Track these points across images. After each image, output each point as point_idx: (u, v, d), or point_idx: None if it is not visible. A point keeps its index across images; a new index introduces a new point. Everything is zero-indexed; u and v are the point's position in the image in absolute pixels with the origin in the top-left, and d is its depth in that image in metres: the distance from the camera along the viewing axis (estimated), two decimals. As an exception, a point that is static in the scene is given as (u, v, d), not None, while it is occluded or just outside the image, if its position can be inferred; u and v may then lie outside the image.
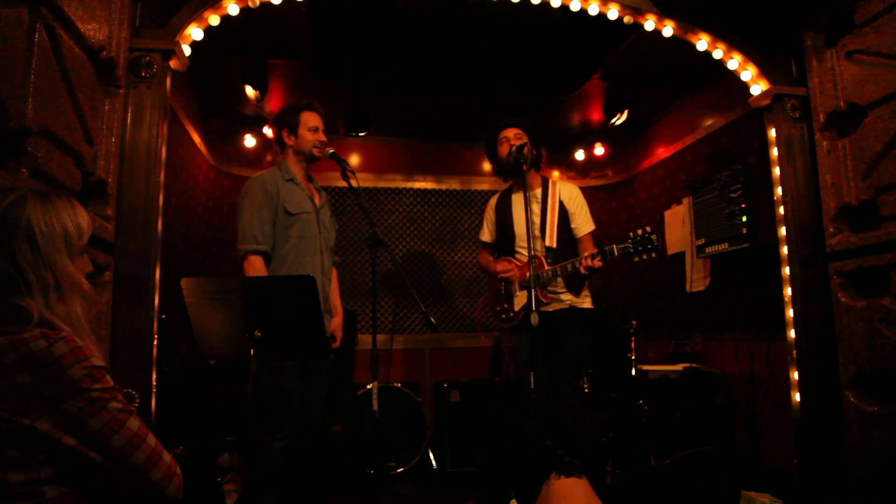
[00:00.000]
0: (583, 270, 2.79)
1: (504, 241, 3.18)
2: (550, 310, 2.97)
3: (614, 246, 2.80)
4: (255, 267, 2.59)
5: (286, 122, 2.80)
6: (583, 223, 3.11)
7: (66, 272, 1.18)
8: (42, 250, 1.15)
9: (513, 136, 3.07)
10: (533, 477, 1.33)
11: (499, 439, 1.41)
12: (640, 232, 2.79)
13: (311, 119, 2.80)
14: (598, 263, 2.77)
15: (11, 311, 1.11)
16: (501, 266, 3.11)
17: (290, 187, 2.74)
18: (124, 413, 1.15)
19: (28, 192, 1.19)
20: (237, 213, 2.69)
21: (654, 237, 2.76)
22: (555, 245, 3.04)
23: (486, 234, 3.31)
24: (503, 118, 3.21)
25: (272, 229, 2.65)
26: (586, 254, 2.84)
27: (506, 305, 3.11)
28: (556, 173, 5.33)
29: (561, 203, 3.11)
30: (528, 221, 2.66)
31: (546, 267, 2.95)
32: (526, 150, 2.81)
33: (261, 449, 2.47)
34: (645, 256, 2.78)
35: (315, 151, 2.80)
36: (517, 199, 3.15)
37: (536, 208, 3.11)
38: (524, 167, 2.72)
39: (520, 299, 3.03)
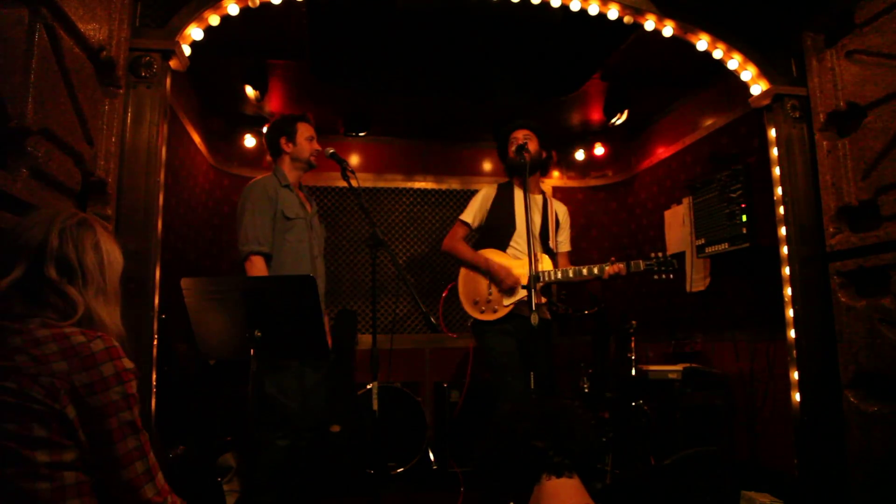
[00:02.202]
0: (605, 276, 2.95)
1: (497, 232, 3.16)
2: (526, 313, 2.97)
3: (640, 261, 3.00)
4: (258, 267, 2.67)
5: (284, 130, 2.91)
6: (567, 241, 3.32)
7: (115, 286, 1.36)
8: (104, 262, 1.33)
9: (521, 138, 3.13)
10: (526, 478, 1.35)
11: (493, 441, 1.42)
12: (660, 255, 3.01)
13: (307, 129, 2.93)
14: (623, 271, 2.95)
15: (59, 300, 1.23)
16: (507, 269, 3.02)
17: (286, 193, 2.82)
18: (130, 427, 1.20)
19: (95, 219, 1.38)
20: (238, 215, 2.75)
21: (674, 262, 3.01)
22: (555, 249, 3.19)
23: (472, 217, 3.24)
24: (516, 118, 3.31)
25: (272, 232, 2.73)
26: (613, 259, 2.99)
27: (490, 298, 3.05)
28: (556, 173, 5.33)
29: (556, 215, 3.27)
30: (528, 217, 2.69)
31: (550, 267, 3.02)
32: (527, 154, 2.90)
33: (263, 448, 2.50)
34: (664, 276, 2.99)
35: (312, 159, 2.93)
36: (520, 195, 3.15)
37: (539, 211, 3.18)
38: (526, 157, 2.86)
39: (517, 294, 3.00)
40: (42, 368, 1.13)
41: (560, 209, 3.31)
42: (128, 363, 1.23)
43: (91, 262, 1.29)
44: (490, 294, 3.06)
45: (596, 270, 2.95)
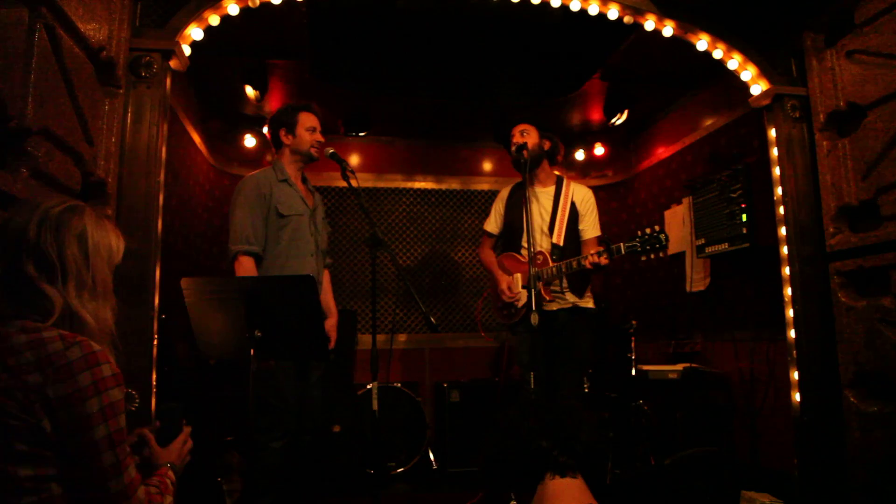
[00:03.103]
0: (588, 266, 2.78)
1: (510, 235, 3.17)
2: (554, 308, 2.97)
3: (621, 244, 2.78)
4: (246, 268, 2.56)
5: (284, 121, 2.79)
6: (590, 226, 3.10)
7: (103, 279, 1.28)
8: (89, 253, 1.25)
9: (517, 134, 3.08)
10: (529, 477, 1.34)
11: (497, 440, 1.42)
12: (647, 231, 2.76)
13: (308, 119, 2.79)
14: (604, 260, 2.75)
15: (38, 298, 1.17)
16: (507, 283, 3.05)
17: (283, 188, 2.71)
18: (107, 441, 1.14)
19: (86, 206, 1.30)
20: (229, 212, 2.66)
21: (662, 236, 2.73)
22: (562, 244, 3.04)
23: (492, 225, 3.27)
24: (513, 114, 3.22)
25: (264, 230, 2.63)
26: (592, 251, 2.83)
27: (507, 303, 3.10)
28: (556, 173, 5.32)
29: (573, 203, 3.11)
30: (528, 219, 2.70)
31: (551, 264, 2.97)
32: (525, 152, 2.87)
33: (258, 450, 2.46)
34: (653, 256, 2.76)
35: (313, 151, 2.79)
36: (529, 194, 3.08)
37: (548, 205, 3.11)
38: (524, 153, 2.82)
39: (525, 295, 2.99)
40: (15, 382, 1.08)
41: (578, 195, 3.13)
42: (107, 370, 1.15)
43: (72, 256, 1.21)
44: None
45: (575, 264, 2.83)
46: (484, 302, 4.82)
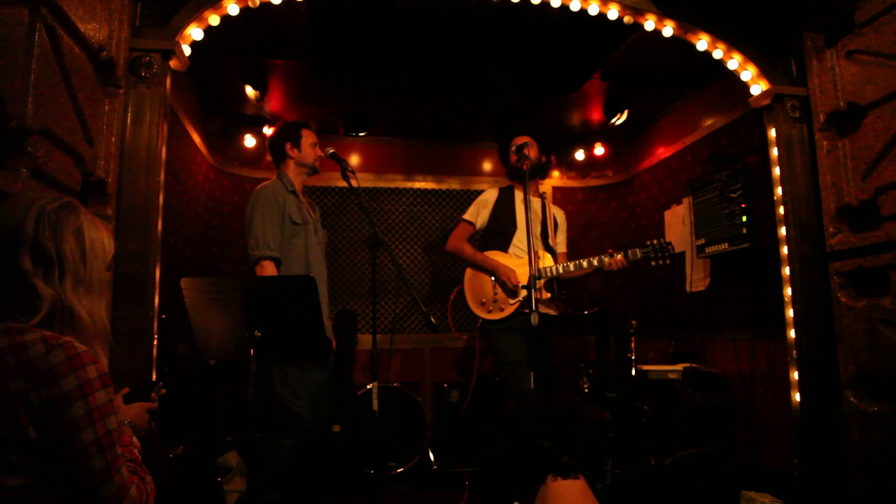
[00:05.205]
0: (606, 268, 3.06)
1: (499, 233, 3.28)
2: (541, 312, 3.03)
3: (637, 249, 3.10)
4: (269, 272, 2.69)
5: (289, 135, 2.98)
6: (564, 243, 3.43)
7: (99, 276, 1.28)
8: (86, 249, 1.25)
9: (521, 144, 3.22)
10: (531, 478, 1.33)
11: (497, 440, 1.41)
12: (655, 242, 3.10)
13: (310, 135, 3.02)
14: (625, 263, 3.06)
15: (26, 295, 1.14)
16: (512, 268, 3.13)
17: (291, 199, 2.87)
18: (95, 446, 1.10)
19: (79, 203, 1.30)
20: (248, 220, 2.79)
21: (670, 246, 3.10)
22: (555, 249, 3.28)
23: (475, 217, 3.38)
24: (516, 120, 3.40)
25: (280, 238, 2.77)
26: (610, 251, 3.10)
27: (496, 298, 3.15)
28: (556, 174, 5.32)
29: (554, 217, 3.38)
30: (528, 218, 2.77)
31: (552, 263, 3.14)
32: (526, 150, 3.03)
33: (269, 447, 2.53)
34: (661, 262, 3.10)
35: (316, 164, 3.02)
36: (520, 197, 3.29)
37: (538, 213, 3.28)
38: (524, 166, 2.93)
39: (521, 294, 3.09)
40: None
41: (558, 213, 3.44)
42: (93, 371, 1.12)
43: (70, 250, 1.20)
44: (496, 294, 3.16)
45: (595, 262, 3.06)
46: (455, 297, 4.76)
